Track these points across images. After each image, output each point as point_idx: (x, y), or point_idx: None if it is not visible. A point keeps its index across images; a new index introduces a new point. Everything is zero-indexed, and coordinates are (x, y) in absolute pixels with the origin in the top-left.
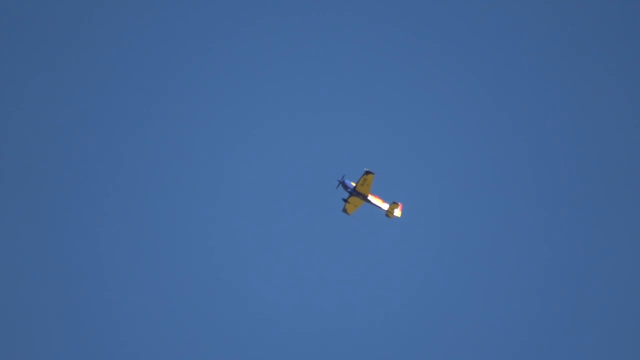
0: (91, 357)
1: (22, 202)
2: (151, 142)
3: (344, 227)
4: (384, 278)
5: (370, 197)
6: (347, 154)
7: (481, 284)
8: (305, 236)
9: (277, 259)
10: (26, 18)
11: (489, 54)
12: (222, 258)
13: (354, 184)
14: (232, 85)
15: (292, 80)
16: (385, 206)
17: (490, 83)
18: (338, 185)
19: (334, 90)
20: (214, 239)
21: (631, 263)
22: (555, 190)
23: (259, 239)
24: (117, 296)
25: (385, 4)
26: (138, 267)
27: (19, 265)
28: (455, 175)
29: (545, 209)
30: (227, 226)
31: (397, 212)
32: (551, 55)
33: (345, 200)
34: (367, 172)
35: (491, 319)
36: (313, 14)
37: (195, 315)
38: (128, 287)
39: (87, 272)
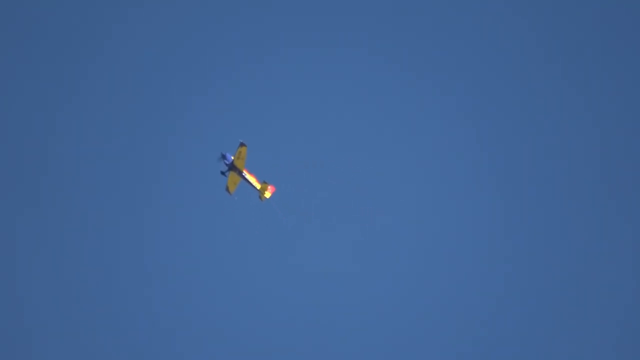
0: (91, 357)
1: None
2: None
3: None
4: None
5: (245, 174)
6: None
7: (477, 284)
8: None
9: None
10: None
11: (479, 53)
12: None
13: (233, 158)
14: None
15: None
16: (257, 185)
17: (483, 84)
18: (220, 159)
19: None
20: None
21: (630, 263)
22: (553, 189)
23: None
24: (118, 297)
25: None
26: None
27: (19, 266)
28: (446, 175)
29: (543, 208)
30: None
31: (267, 194)
32: (535, 56)
33: (223, 174)
34: (241, 144)
35: (488, 319)
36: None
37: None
38: (127, 289)
39: (88, 273)
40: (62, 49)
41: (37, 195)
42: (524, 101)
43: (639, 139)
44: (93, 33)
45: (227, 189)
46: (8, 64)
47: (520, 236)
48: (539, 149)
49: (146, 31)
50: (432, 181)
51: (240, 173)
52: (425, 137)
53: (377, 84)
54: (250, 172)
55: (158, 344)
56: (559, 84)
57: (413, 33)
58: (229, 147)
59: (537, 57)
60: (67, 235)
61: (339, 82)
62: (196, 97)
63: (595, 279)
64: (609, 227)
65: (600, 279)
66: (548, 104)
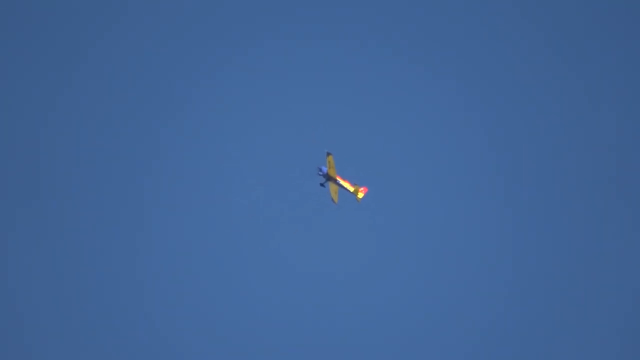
0: (89, 357)
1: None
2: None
3: (340, 224)
4: (384, 278)
5: (339, 180)
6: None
7: (479, 285)
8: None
9: (278, 259)
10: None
11: (483, 53)
12: (220, 258)
13: (326, 169)
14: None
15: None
16: (351, 189)
17: (487, 81)
18: (318, 173)
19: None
20: (210, 239)
21: (628, 264)
22: (559, 189)
23: (256, 240)
24: (116, 298)
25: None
26: (133, 269)
27: (17, 265)
28: (451, 175)
29: (548, 208)
30: (222, 226)
31: (360, 194)
32: (539, 55)
33: (323, 185)
34: (328, 154)
35: (489, 320)
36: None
37: (194, 316)
38: (127, 289)
39: (87, 273)
40: (61, 48)
41: (36, 195)
42: (531, 100)
43: None
44: (91, 32)
45: (333, 200)
46: (7, 63)
47: (524, 237)
48: (545, 148)
49: (145, 30)
50: (434, 181)
51: (335, 181)
52: (427, 137)
53: (377, 83)
54: (343, 178)
55: (157, 344)
56: (567, 84)
57: (418, 32)
58: (227, 145)
59: (545, 55)
60: (64, 235)
61: (338, 81)
62: (196, 97)
63: (600, 280)
64: (613, 228)
65: (605, 280)
66: (555, 104)
